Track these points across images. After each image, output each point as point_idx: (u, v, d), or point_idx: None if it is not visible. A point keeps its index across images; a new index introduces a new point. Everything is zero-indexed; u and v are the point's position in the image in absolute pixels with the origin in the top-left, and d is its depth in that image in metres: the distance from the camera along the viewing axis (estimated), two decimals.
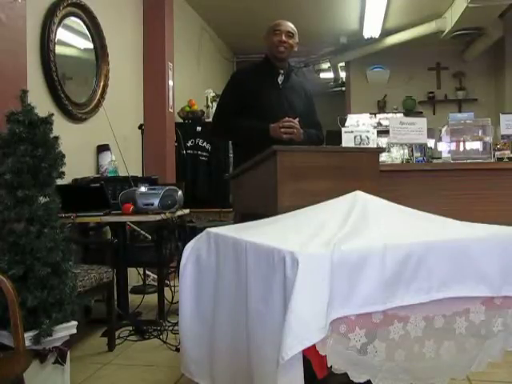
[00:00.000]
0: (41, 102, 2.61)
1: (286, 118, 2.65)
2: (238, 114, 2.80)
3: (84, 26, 3.98)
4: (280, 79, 2.90)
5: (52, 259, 2.06)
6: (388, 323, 1.33)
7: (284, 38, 2.84)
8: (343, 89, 9.90)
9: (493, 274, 1.44)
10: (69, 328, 2.14)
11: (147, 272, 4.48)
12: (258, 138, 2.64)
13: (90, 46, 4.09)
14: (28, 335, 1.96)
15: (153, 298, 3.70)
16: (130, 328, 3.19)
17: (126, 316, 3.30)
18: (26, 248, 2.02)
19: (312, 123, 2.93)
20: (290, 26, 2.91)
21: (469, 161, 3.35)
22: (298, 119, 2.70)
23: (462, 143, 3.48)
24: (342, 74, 9.70)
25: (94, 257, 3.42)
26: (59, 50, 3.59)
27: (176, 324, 2.92)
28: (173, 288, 3.15)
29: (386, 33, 7.58)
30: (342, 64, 9.29)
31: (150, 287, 4.30)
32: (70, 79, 3.80)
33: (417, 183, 3.11)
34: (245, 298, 1.44)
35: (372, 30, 7.36)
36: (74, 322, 2.16)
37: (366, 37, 7.65)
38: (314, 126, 2.96)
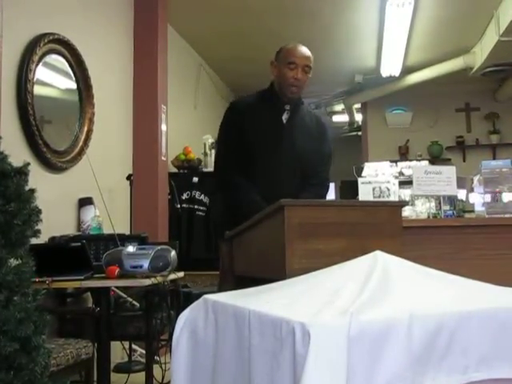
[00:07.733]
0: (15, 150, 2.64)
1: None
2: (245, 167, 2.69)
3: (67, 64, 4.07)
4: (285, 117, 2.77)
5: (22, 333, 2.02)
6: None
7: (300, 74, 2.66)
8: (359, 133, 10.02)
9: None
10: None
11: (133, 346, 4.41)
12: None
13: (74, 86, 4.18)
14: None
15: (139, 378, 3.63)
16: None
17: None
18: None
19: (318, 171, 2.83)
20: (308, 55, 2.71)
21: (507, 215, 3.34)
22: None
23: (497, 194, 3.48)
24: (358, 117, 9.85)
25: (71, 328, 3.37)
26: (38, 90, 3.67)
27: None
28: (163, 365, 3.09)
29: (406, 70, 7.75)
30: (358, 105, 9.46)
31: (136, 364, 4.23)
32: (50, 123, 3.87)
33: (446, 241, 3.08)
34: (248, 379, 1.41)
35: (391, 67, 7.54)
36: None
37: (384, 75, 7.82)
38: (319, 178, 2.84)
